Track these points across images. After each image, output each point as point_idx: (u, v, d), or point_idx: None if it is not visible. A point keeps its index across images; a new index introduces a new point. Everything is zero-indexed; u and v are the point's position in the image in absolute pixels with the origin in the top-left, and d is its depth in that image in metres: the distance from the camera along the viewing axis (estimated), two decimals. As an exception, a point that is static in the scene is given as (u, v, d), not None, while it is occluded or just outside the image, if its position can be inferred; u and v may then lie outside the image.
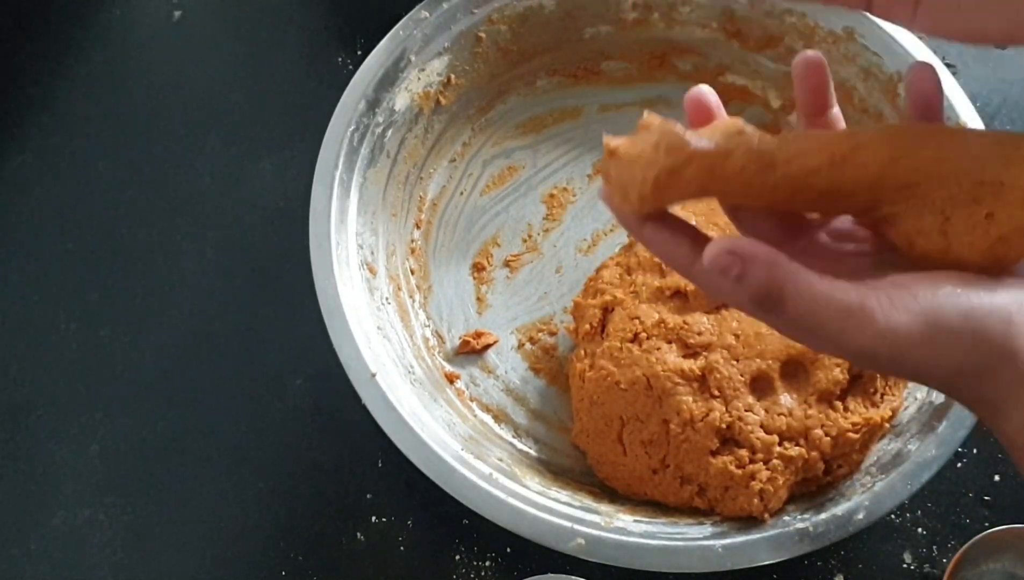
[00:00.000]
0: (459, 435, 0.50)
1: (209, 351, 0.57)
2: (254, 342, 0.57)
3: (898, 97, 0.57)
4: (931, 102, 0.33)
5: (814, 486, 0.49)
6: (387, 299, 0.55)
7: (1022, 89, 0.64)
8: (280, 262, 0.59)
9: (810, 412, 0.48)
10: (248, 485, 0.53)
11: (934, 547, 0.52)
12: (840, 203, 0.31)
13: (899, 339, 0.29)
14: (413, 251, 0.59)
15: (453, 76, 0.60)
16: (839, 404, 0.48)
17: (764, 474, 0.47)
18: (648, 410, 0.49)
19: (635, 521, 0.47)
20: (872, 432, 0.48)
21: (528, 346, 0.57)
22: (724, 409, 0.48)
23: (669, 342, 0.49)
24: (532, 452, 0.54)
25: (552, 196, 0.61)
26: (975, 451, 0.54)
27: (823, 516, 0.46)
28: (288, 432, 0.54)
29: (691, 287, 0.51)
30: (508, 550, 0.51)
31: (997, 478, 0.53)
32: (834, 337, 0.30)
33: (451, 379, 0.55)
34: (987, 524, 0.47)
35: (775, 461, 0.47)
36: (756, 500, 0.47)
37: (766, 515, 0.47)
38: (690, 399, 0.48)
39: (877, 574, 0.51)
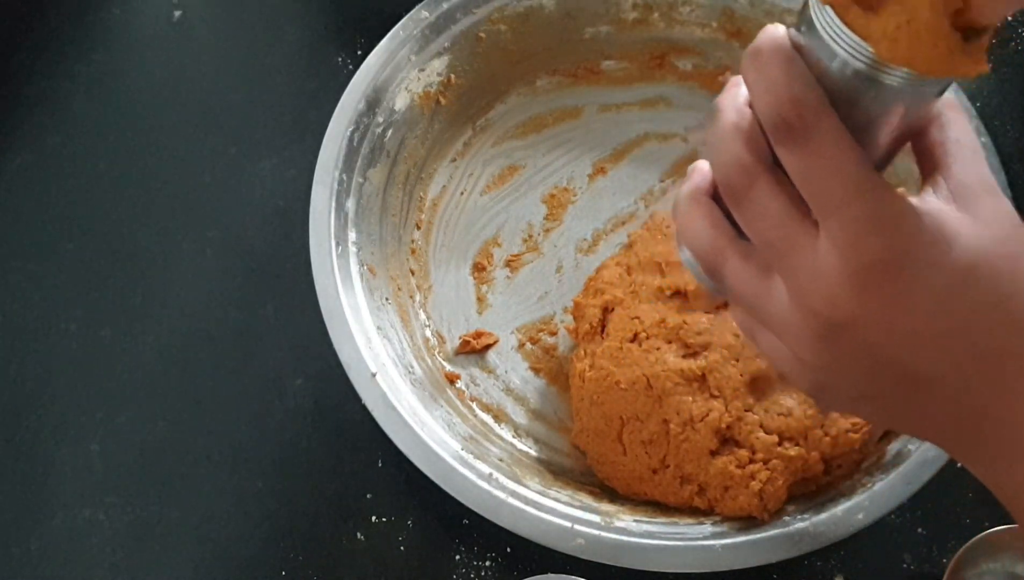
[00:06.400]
0: (459, 435, 0.50)
1: (209, 351, 0.57)
2: (254, 342, 0.57)
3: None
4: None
5: (814, 486, 0.49)
6: (387, 299, 0.55)
7: (1022, 89, 0.64)
8: (280, 262, 0.59)
9: (810, 412, 0.48)
10: (248, 485, 0.53)
11: (934, 547, 0.52)
12: None
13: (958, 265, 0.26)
14: (413, 251, 0.59)
15: (453, 76, 0.60)
16: (839, 404, 0.48)
17: (764, 474, 0.47)
18: (648, 410, 0.49)
19: (635, 521, 0.47)
20: (872, 432, 0.48)
21: (528, 346, 0.57)
22: (724, 409, 0.48)
23: (669, 342, 0.49)
24: (532, 452, 0.54)
25: (552, 196, 0.61)
26: (975, 451, 0.53)
27: (823, 516, 0.46)
28: (288, 432, 0.54)
29: (691, 287, 0.51)
30: (508, 550, 0.51)
31: (997, 478, 0.53)
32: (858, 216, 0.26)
33: (451, 379, 0.55)
34: (987, 524, 0.47)
35: (775, 461, 0.47)
36: (756, 500, 0.47)
37: (766, 515, 0.47)
38: (690, 399, 0.48)
39: (877, 574, 0.51)
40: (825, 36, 0.27)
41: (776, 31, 0.28)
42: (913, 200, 0.27)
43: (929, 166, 0.29)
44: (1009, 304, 0.27)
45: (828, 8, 0.26)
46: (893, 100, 0.27)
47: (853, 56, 0.26)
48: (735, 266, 0.30)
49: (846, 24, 0.26)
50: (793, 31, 0.28)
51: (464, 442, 0.49)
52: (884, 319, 0.27)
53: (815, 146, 0.26)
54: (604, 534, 0.46)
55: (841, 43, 0.26)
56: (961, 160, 0.28)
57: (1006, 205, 0.28)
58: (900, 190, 0.30)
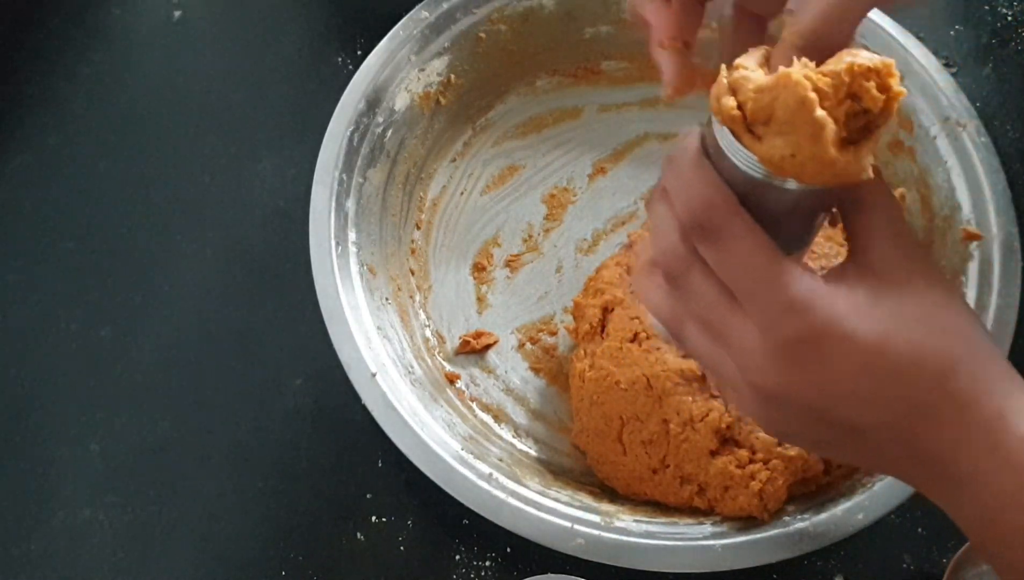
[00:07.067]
0: (459, 435, 0.50)
1: (209, 351, 0.57)
2: (254, 342, 0.57)
3: (898, 97, 0.57)
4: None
5: (814, 486, 0.49)
6: (387, 299, 0.55)
7: (1022, 89, 0.64)
8: (280, 262, 0.59)
9: (810, 412, 0.48)
10: (248, 485, 0.53)
11: (934, 547, 0.52)
12: None
13: (857, 341, 0.28)
14: (413, 251, 0.59)
15: (453, 76, 0.60)
16: (839, 404, 0.48)
17: (764, 474, 0.47)
18: (648, 410, 0.49)
19: (635, 521, 0.47)
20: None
21: (528, 346, 0.57)
22: (724, 409, 0.48)
23: (669, 342, 0.49)
24: (532, 452, 0.54)
25: (552, 196, 0.61)
26: (975, 451, 0.53)
27: (823, 516, 0.46)
28: (288, 432, 0.54)
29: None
30: (508, 550, 0.51)
31: (997, 478, 0.53)
32: (767, 308, 0.29)
33: (451, 379, 0.55)
34: (987, 524, 0.47)
35: (775, 461, 0.47)
36: (756, 500, 0.47)
37: (766, 515, 0.47)
38: (690, 399, 0.48)
39: (877, 574, 0.51)
40: (725, 150, 0.29)
41: (690, 139, 0.31)
42: (831, 274, 0.30)
43: (848, 234, 0.31)
44: (927, 361, 0.29)
45: (725, 128, 0.29)
46: (798, 198, 0.30)
47: (750, 169, 0.29)
48: (692, 333, 0.33)
49: (742, 144, 0.29)
50: (706, 135, 0.30)
51: (464, 442, 0.49)
52: (813, 385, 0.30)
53: (727, 243, 0.29)
54: (604, 534, 0.46)
55: (738, 158, 0.29)
56: (876, 231, 0.30)
57: (918, 266, 0.30)
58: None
